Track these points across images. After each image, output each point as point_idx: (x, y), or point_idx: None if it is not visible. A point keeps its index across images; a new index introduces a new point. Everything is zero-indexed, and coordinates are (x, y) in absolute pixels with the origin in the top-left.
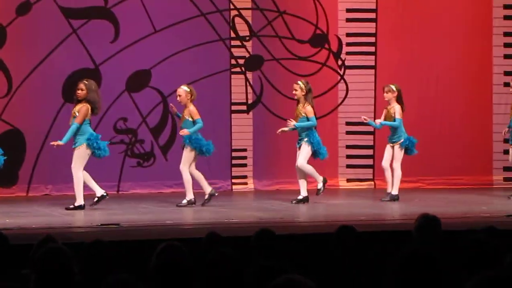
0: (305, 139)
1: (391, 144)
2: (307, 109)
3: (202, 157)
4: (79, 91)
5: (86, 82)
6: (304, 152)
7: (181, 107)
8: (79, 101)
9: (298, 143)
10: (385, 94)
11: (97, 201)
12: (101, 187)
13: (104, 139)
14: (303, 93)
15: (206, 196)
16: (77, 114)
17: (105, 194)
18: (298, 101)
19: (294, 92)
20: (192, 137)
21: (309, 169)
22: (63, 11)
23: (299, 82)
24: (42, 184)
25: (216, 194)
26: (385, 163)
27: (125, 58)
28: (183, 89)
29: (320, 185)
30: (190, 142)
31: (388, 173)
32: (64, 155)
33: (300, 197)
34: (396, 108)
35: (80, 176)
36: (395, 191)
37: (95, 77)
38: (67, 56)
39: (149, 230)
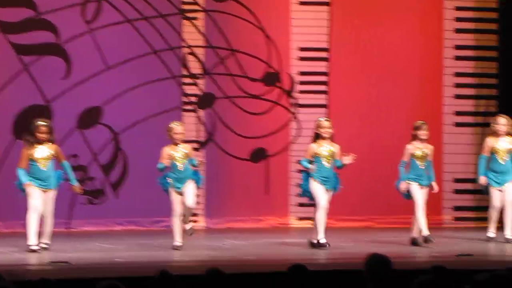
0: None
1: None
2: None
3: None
4: (44, 134)
5: (47, 123)
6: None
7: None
8: (40, 143)
9: None
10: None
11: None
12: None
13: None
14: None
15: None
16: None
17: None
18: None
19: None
20: None
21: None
22: (14, 47)
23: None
24: None
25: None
26: None
27: (77, 95)
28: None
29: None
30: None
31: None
32: (14, 192)
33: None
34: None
35: None
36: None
37: (46, 113)
38: (17, 92)
39: (98, 268)
